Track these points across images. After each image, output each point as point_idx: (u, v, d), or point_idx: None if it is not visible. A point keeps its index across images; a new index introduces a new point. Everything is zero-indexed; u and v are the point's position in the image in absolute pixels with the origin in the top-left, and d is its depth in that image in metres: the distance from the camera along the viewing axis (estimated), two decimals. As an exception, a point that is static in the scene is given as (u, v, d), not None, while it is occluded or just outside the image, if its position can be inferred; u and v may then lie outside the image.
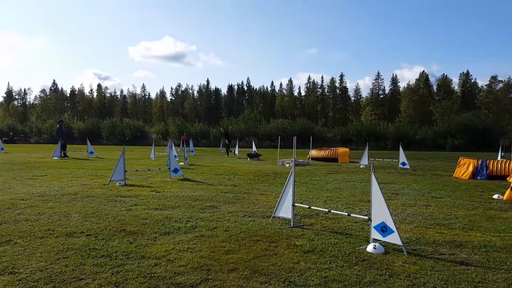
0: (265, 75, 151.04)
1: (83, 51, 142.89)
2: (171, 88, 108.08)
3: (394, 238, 4.01)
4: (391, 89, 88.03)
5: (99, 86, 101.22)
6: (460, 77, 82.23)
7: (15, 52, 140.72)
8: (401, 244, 4.00)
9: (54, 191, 7.84)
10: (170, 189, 8.41)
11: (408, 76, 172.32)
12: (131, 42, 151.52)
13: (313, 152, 19.28)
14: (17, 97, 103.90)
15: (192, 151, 23.04)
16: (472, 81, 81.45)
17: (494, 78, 77.64)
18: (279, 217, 5.47)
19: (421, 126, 43.55)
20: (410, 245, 4.31)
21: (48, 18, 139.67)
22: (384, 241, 4.14)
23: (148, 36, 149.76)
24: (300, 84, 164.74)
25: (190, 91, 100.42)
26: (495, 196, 7.88)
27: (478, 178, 11.28)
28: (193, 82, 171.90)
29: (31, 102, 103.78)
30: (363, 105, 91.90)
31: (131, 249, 4.01)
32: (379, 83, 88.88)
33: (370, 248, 4.10)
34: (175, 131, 44.35)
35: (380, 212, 4.12)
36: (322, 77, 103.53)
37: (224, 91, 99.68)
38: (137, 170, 11.65)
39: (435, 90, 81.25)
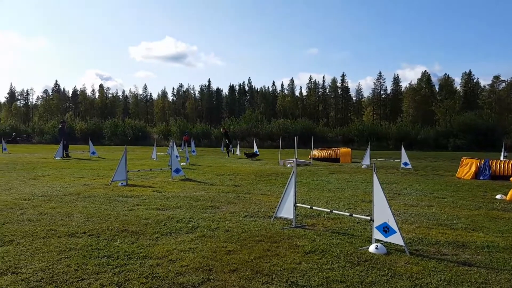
0: (266, 75, 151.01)
1: (83, 51, 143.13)
2: (173, 89, 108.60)
3: (396, 239, 4.00)
4: (393, 89, 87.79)
5: (101, 86, 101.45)
6: (462, 76, 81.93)
7: (15, 52, 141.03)
8: (403, 245, 3.99)
9: (57, 191, 7.86)
10: (172, 189, 8.42)
11: (410, 76, 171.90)
12: (132, 43, 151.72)
13: (315, 152, 19.28)
14: (19, 97, 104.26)
15: (193, 151, 23.07)
16: (475, 80, 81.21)
17: (496, 77, 77.24)
18: (280, 217, 5.47)
19: (423, 126, 43.40)
20: (412, 246, 4.30)
21: (48, 18, 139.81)
22: (386, 242, 4.13)
23: (148, 36, 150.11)
24: (301, 84, 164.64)
25: (192, 92, 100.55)
26: (498, 196, 7.85)
27: (481, 178, 11.24)
28: (194, 82, 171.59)
29: (34, 102, 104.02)
30: (364, 105, 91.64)
31: (133, 249, 4.01)
32: (380, 83, 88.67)
33: (372, 248, 4.09)
34: (177, 131, 44.43)
35: (382, 212, 4.11)
36: (323, 77, 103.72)
37: (225, 91, 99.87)
38: (139, 170, 11.67)
39: (437, 90, 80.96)
